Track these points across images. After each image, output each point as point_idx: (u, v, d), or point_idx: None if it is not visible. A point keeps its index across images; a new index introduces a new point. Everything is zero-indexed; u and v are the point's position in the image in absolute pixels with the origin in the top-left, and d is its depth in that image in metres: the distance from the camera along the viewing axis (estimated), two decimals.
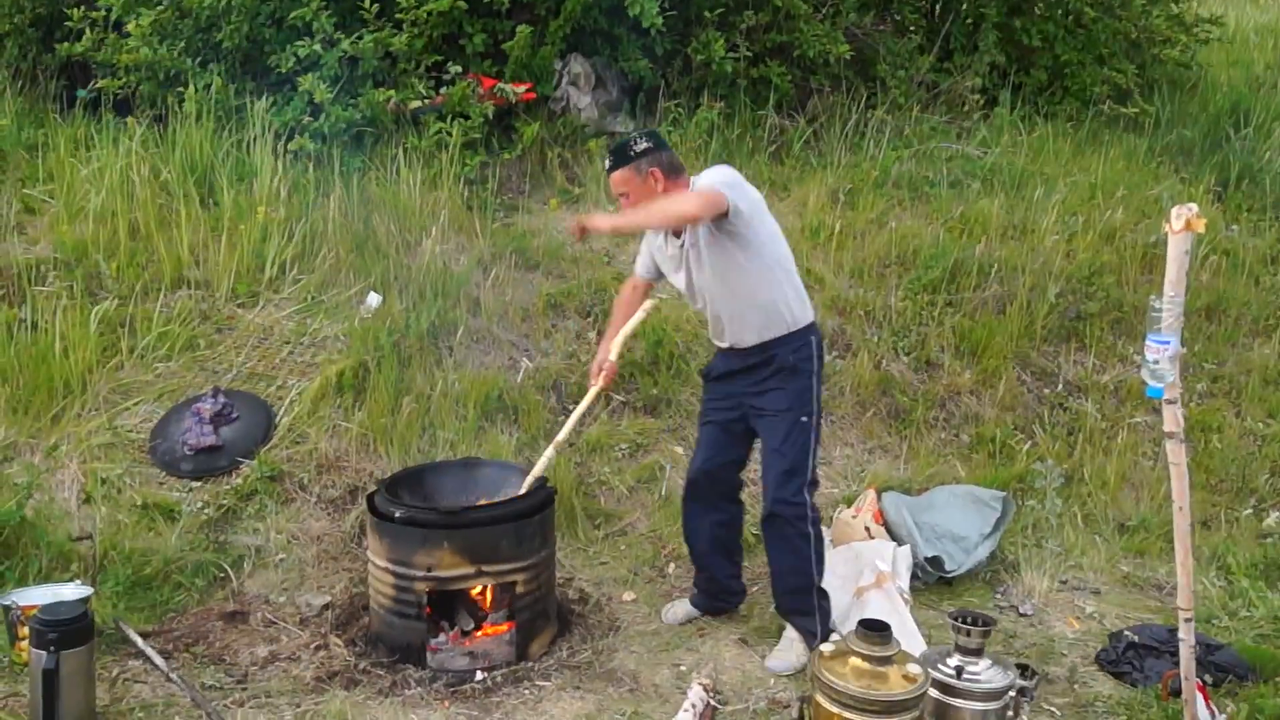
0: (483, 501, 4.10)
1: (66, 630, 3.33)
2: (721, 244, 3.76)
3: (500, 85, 6.45)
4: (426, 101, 6.24)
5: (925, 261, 6.22)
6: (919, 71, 7.73)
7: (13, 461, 4.63)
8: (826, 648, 3.30)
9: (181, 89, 6.18)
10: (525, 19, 6.64)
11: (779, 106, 7.24)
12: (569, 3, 6.56)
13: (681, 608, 4.35)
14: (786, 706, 3.68)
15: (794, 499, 3.89)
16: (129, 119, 6.25)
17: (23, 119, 6.47)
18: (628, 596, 4.46)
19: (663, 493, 5.04)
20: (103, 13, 6.39)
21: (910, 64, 7.76)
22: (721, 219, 3.67)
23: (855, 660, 3.20)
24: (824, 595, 4.02)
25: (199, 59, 6.34)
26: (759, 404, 3.95)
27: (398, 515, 3.82)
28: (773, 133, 7.15)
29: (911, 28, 8.29)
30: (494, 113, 6.37)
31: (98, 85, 6.44)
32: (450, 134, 6.10)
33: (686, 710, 3.59)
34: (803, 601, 4.00)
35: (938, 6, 8.41)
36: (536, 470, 4.09)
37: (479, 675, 3.81)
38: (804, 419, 3.90)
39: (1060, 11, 8.26)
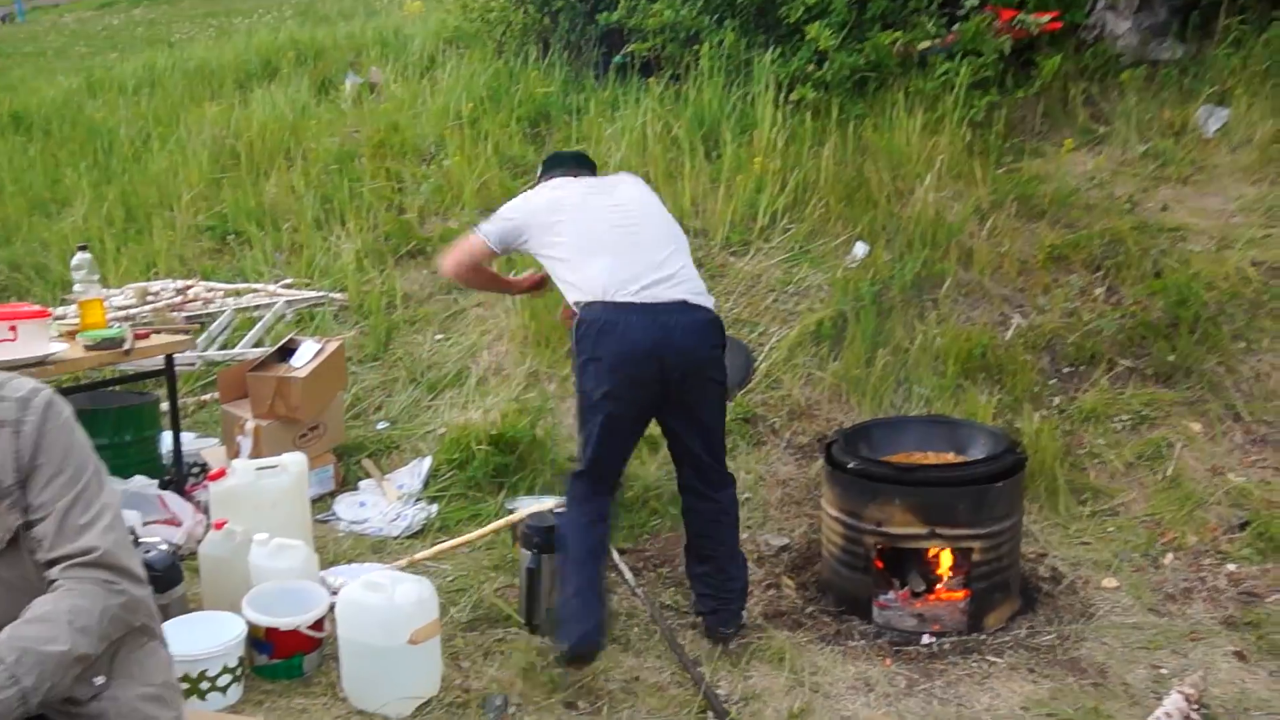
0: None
1: (548, 537, 3.64)
2: None
3: (1021, 16, 5.96)
4: (937, 41, 5.96)
5: None
6: None
7: (533, 389, 5.16)
8: None
9: (698, 47, 6.45)
10: None
11: None
12: None
13: None
14: None
15: None
16: (650, 79, 6.65)
17: (568, 85, 7.16)
18: (1109, 583, 3.97)
19: (1168, 473, 4.43)
20: None
21: None
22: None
23: None
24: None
25: (716, 16, 6.56)
26: None
27: (850, 466, 3.73)
28: None
29: None
30: (1011, 47, 5.91)
31: (629, 50, 6.92)
32: (958, 74, 5.77)
33: (1159, 718, 3.12)
34: None
35: None
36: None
37: (925, 639, 3.62)
38: None
39: None
